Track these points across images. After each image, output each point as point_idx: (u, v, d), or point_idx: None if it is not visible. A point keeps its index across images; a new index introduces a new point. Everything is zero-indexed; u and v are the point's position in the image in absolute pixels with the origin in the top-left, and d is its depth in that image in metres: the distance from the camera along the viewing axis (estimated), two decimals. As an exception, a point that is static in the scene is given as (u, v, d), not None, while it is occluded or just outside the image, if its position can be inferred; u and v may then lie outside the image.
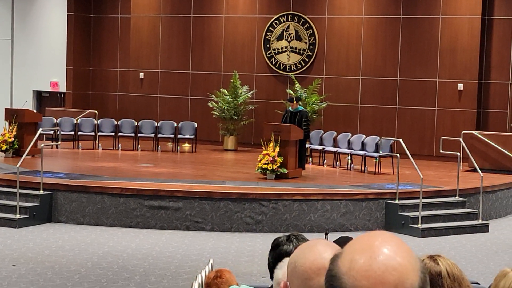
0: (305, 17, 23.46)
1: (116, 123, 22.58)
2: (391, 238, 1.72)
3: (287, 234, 4.24)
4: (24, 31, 27.51)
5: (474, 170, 17.30)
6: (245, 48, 24.21)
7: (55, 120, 22.22)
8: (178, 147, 22.60)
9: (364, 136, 19.84)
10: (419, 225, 15.16)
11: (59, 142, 19.41)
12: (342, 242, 2.23)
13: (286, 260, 3.23)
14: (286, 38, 23.72)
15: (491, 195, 17.13)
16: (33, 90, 27.42)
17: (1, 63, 27.95)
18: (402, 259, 1.68)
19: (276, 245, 4.18)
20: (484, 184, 16.39)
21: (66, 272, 11.75)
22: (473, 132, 20.12)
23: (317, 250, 2.21)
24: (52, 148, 21.49)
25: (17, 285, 10.92)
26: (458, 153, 17.13)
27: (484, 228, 15.79)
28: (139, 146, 22.27)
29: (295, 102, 18.63)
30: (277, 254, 4.03)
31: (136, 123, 22.60)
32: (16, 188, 14.99)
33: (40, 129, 18.29)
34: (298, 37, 23.60)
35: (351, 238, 1.96)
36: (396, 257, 1.68)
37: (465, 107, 21.83)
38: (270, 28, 23.87)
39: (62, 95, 27.02)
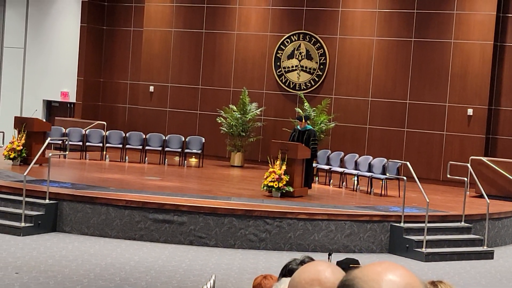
0: (316, 36, 23.50)
1: (124, 135, 22.62)
2: (396, 267, 1.75)
3: (299, 258, 4.14)
4: (37, 41, 27.62)
5: (481, 196, 17.25)
6: (255, 65, 24.25)
7: (64, 130, 22.28)
8: (185, 162, 22.61)
9: (371, 157, 19.82)
10: (423, 249, 15.10)
11: (67, 152, 19.42)
12: (346, 263, 2.23)
13: (284, 280, 3.21)
14: (297, 57, 23.75)
15: (497, 222, 17.06)
16: (43, 100, 27.50)
17: (13, 72, 28.06)
18: (403, 277, 1.72)
19: (290, 270, 4.06)
20: (490, 210, 16.33)
21: (69, 282, 11.74)
22: (481, 158, 20.06)
23: (314, 265, 2.23)
24: (59, 157, 21.52)
25: (18, 294, 10.91)
26: (466, 179, 17.06)
27: (489, 255, 15.72)
28: (146, 159, 22.29)
29: (303, 120, 18.63)
30: None
31: (144, 136, 22.63)
32: (22, 196, 15.01)
33: (49, 138, 18.30)
34: (308, 56, 23.63)
35: (357, 260, 1.96)
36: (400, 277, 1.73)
37: (474, 132, 21.80)
38: (281, 46, 23.91)
39: (72, 105, 27.09)
